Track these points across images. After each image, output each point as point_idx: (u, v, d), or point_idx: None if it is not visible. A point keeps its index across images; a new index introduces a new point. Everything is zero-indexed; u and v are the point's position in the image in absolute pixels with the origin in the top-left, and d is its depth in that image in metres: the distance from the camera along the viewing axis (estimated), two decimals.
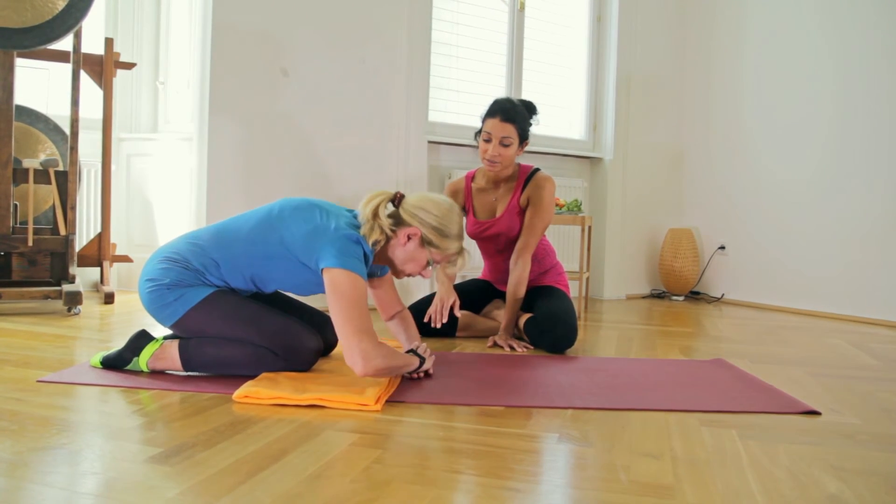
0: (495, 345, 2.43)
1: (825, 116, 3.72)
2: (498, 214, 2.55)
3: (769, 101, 4.01)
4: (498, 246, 2.60)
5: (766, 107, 4.02)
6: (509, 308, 2.46)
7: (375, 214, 1.75)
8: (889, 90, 3.44)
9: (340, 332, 1.60)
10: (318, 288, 1.78)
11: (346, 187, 3.32)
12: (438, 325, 2.38)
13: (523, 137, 2.42)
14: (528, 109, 2.46)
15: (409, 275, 1.88)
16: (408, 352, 1.84)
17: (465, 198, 2.63)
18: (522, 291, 2.45)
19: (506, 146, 2.37)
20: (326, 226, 1.71)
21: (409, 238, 1.79)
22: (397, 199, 1.81)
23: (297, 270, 1.77)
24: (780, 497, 1.14)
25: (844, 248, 3.61)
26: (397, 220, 1.80)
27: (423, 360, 1.82)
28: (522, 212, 2.51)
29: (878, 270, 3.47)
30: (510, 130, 2.36)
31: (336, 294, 1.62)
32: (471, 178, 2.63)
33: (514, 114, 2.37)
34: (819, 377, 2.11)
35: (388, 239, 1.81)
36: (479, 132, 2.44)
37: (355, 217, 1.81)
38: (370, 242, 1.75)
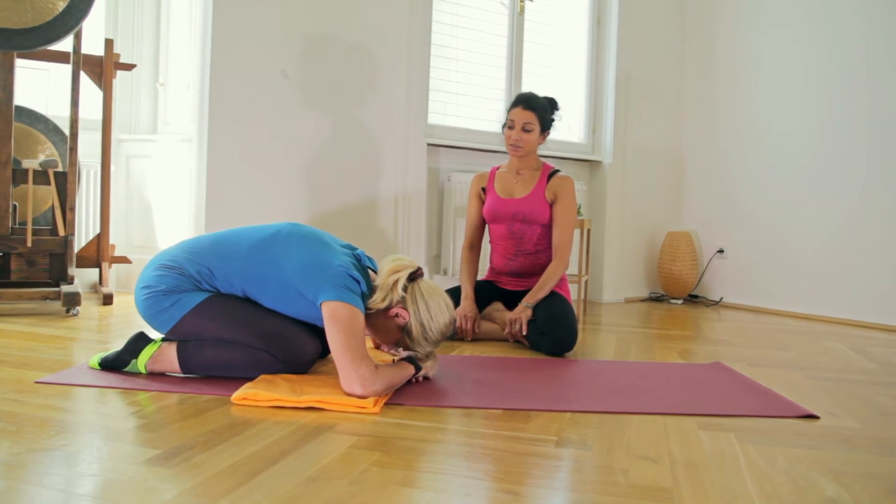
0: (510, 327, 2.49)
1: (824, 121, 3.72)
2: (517, 196, 2.68)
3: (768, 104, 4.02)
4: (511, 228, 2.67)
5: (766, 110, 4.03)
6: (538, 288, 2.53)
7: (394, 287, 1.75)
8: (888, 93, 3.45)
9: (339, 361, 1.61)
10: (309, 315, 1.78)
11: (345, 188, 3.32)
12: (469, 338, 2.57)
13: (544, 126, 2.65)
14: (551, 104, 2.70)
15: (374, 338, 1.87)
16: (403, 359, 1.83)
17: (489, 180, 2.79)
18: (553, 282, 2.55)
19: (527, 131, 2.60)
20: (329, 261, 1.71)
21: (396, 315, 1.78)
22: (416, 275, 1.80)
23: (289, 297, 1.76)
24: (777, 500, 1.14)
25: (843, 252, 3.61)
26: (402, 296, 1.78)
27: (418, 367, 1.82)
28: (549, 205, 2.64)
29: (876, 274, 3.47)
30: (531, 117, 2.59)
31: (335, 325, 1.62)
32: (497, 168, 2.83)
33: (534, 103, 2.61)
34: (817, 381, 2.11)
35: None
36: (505, 124, 2.66)
37: (357, 259, 1.82)
38: (375, 307, 1.75)
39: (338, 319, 1.63)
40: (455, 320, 1.90)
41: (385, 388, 1.63)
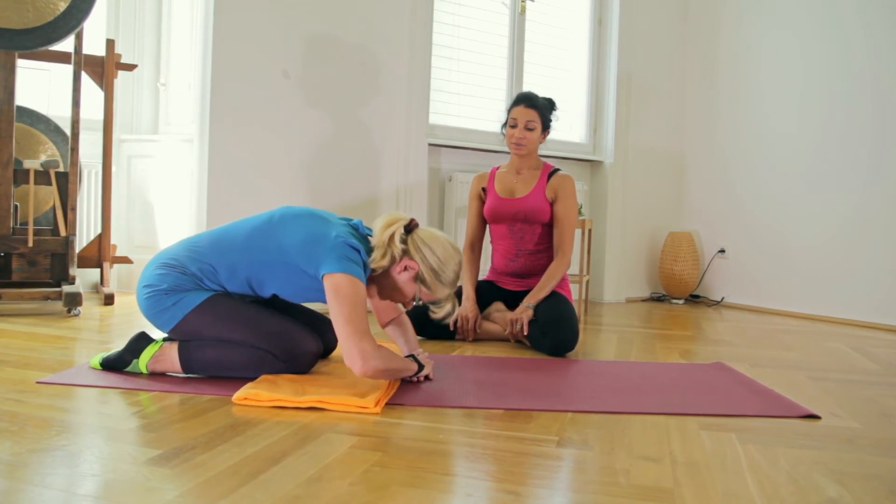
0: (512, 326, 2.48)
1: (825, 120, 3.72)
2: (518, 195, 2.68)
3: (769, 104, 4.01)
4: (512, 228, 2.68)
5: (767, 110, 4.03)
6: (539, 288, 2.53)
7: (391, 241, 1.75)
8: (889, 93, 3.44)
9: (340, 334, 1.61)
10: (315, 294, 1.78)
11: (346, 189, 3.32)
12: (470, 339, 2.58)
13: (545, 125, 2.67)
14: (550, 103, 2.72)
15: (391, 300, 1.88)
16: (407, 357, 1.84)
17: (489, 180, 2.78)
18: (554, 282, 2.55)
19: (530, 129, 2.61)
20: (327, 233, 1.71)
21: (405, 269, 1.78)
22: (412, 226, 1.80)
23: (294, 277, 1.76)
24: (779, 501, 1.14)
25: (844, 252, 3.61)
26: (403, 249, 1.79)
27: (421, 366, 1.82)
28: (549, 204, 2.64)
29: (878, 274, 3.47)
30: (533, 115, 2.61)
31: (337, 297, 1.62)
32: (497, 168, 2.83)
33: (536, 101, 2.64)
34: (819, 381, 2.11)
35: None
36: (505, 123, 2.68)
37: (354, 228, 1.82)
38: (377, 266, 1.75)
39: (339, 291, 1.62)
40: (462, 259, 1.89)
41: (384, 367, 1.63)
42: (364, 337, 1.60)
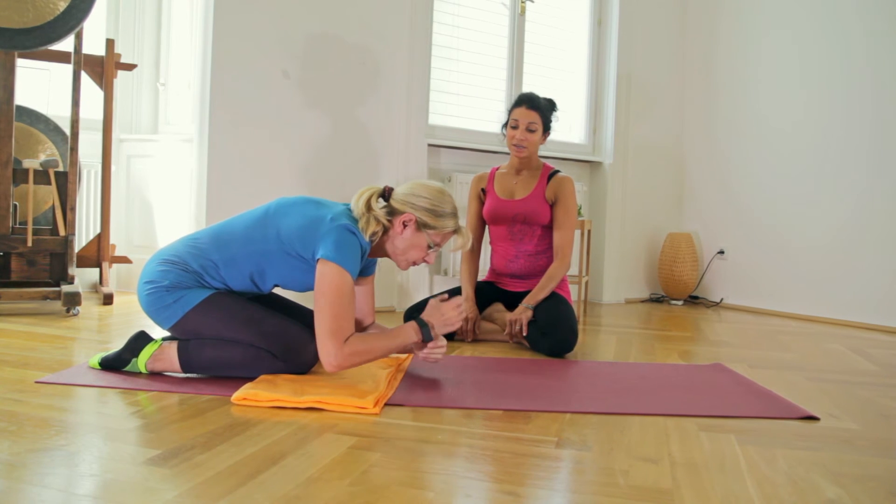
0: (511, 327, 2.49)
1: (825, 121, 3.72)
2: (517, 197, 2.68)
3: (769, 105, 4.02)
4: (512, 229, 2.68)
5: (766, 112, 4.03)
6: (538, 289, 2.53)
7: (369, 207, 1.78)
8: (889, 94, 3.45)
9: (316, 328, 1.66)
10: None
11: (345, 189, 3.31)
12: (469, 339, 2.59)
13: (546, 127, 2.66)
14: (551, 104, 2.71)
15: (413, 262, 1.88)
16: (416, 322, 1.82)
17: (489, 181, 2.78)
18: (554, 283, 2.56)
19: (531, 131, 2.60)
20: (323, 217, 1.73)
21: (404, 225, 1.81)
22: (387, 192, 1.84)
23: (294, 265, 1.78)
24: (778, 502, 1.14)
25: (844, 254, 3.61)
26: (391, 211, 1.82)
27: (426, 336, 1.80)
28: (549, 206, 2.65)
29: (877, 275, 3.47)
30: (535, 117, 2.60)
31: (321, 289, 1.65)
32: (496, 168, 2.83)
33: (538, 103, 2.62)
34: (818, 382, 2.11)
35: (385, 230, 1.83)
36: (505, 124, 2.67)
37: (350, 210, 1.83)
38: (367, 235, 1.77)
39: (324, 282, 1.65)
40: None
41: (352, 363, 1.66)
42: (331, 336, 1.62)
